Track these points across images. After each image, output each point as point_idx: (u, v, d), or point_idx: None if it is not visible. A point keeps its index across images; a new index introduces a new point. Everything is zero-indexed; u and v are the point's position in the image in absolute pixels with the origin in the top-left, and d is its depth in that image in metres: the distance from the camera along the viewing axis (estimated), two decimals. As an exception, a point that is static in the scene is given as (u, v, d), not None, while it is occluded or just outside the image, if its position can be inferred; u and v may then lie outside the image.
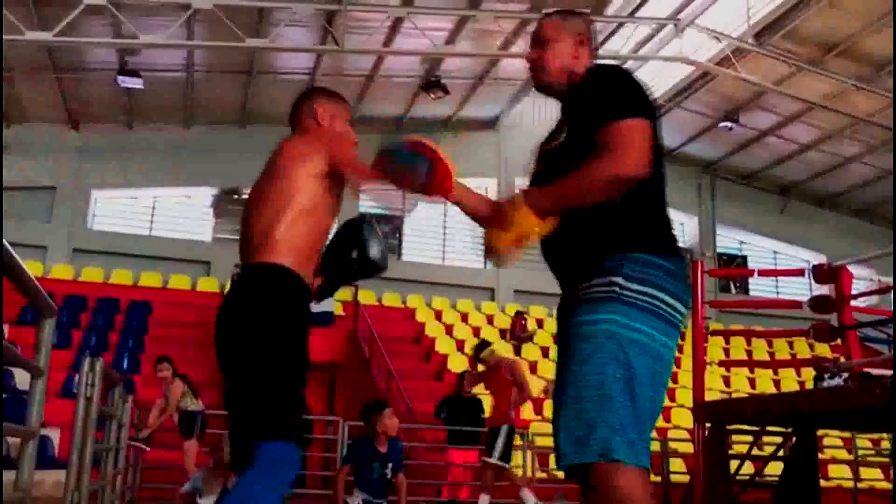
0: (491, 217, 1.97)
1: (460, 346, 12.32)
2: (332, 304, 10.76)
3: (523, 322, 12.86)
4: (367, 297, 13.08)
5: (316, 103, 2.51)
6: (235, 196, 15.47)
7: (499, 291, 15.33)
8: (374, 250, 2.41)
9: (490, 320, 13.80)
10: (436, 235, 15.98)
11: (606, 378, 1.76)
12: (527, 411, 10.45)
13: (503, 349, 12.47)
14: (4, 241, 1.76)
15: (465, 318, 13.82)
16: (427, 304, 14.12)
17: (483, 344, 7.09)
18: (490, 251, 1.95)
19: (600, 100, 1.90)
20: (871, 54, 11.36)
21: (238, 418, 2.24)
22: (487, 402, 7.59)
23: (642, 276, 1.82)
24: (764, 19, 11.33)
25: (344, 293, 12.55)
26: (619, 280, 1.82)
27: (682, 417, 10.63)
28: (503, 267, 2.16)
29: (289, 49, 11.66)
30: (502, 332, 13.16)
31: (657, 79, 13.54)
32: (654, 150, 1.88)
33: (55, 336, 2.65)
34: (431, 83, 12.95)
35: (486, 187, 16.00)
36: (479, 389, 7.88)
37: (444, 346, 12.32)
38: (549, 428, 9.74)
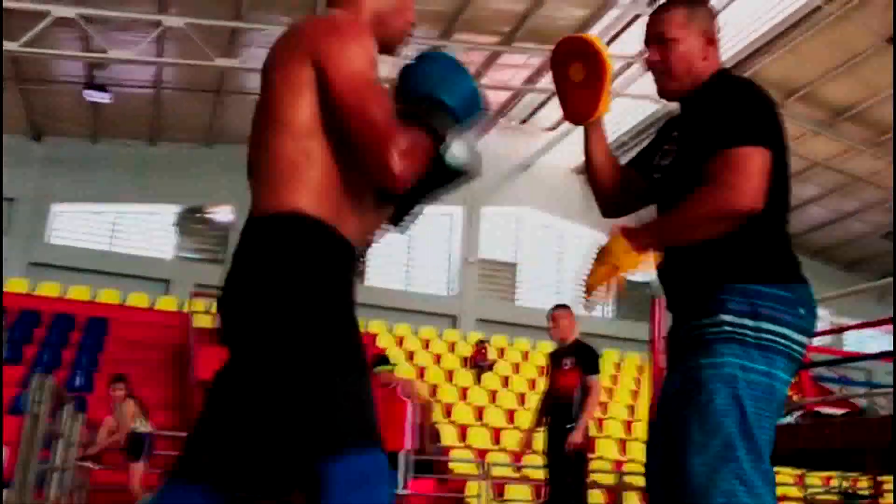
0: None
1: (420, 373, 12.29)
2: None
3: (484, 351, 12.88)
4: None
5: None
6: (199, 214, 15.35)
7: (461, 319, 15.34)
8: (458, 148, 1.57)
9: (452, 348, 13.79)
10: (400, 260, 15.97)
11: (726, 427, 1.61)
12: (484, 440, 10.44)
13: (464, 377, 12.48)
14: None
15: (426, 345, 13.79)
16: (389, 330, 14.08)
17: (382, 359, 6.93)
18: (587, 287, 1.76)
19: (718, 121, 1.71)
20: (829, 101, 11.68)
21: (281, 439, 1.48)
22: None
23: (755, 310, 1.66)
24: (727, 62, 11.59)
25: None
26: (728, 317, 1.66)
27: (639, 451, 10.68)
28: (592, 307, 1.81)
29: (256, 70, 11.64)
30: (464, 360, 13.15)
31: (624, 115, 13.78)
32: (781, 176, 1.72)
33: (7, 350, 2.59)
34: (401, 110, 13.00)
35: (453, 214, 16.09)
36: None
37: (404, 373, 12.27)
38: (505, 458, 9.78)
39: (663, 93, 1.92)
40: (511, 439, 10.13)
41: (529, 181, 15.76)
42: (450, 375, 12.48)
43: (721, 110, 1.73)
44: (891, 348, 8.14)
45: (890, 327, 8.32)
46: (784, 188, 1.77)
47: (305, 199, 1.48)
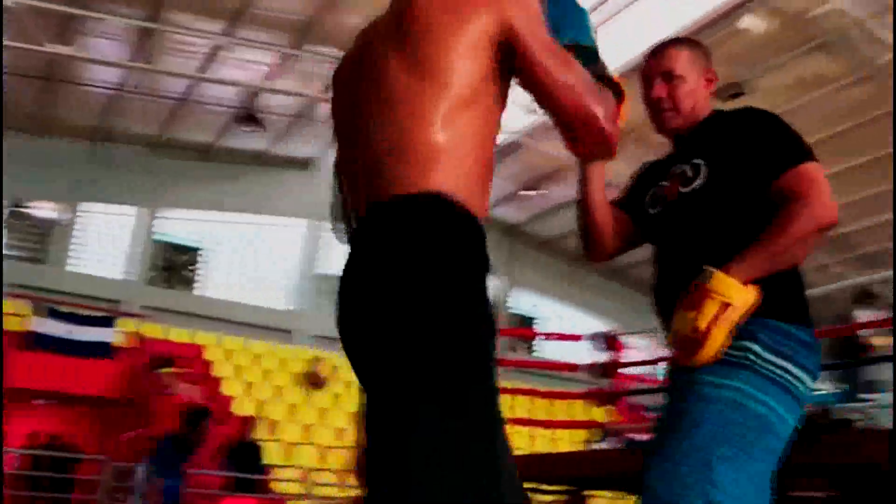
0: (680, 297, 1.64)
1: (249, 388, 11.90)
2: (112, 335, 10.05)
3: (318, 368, 12.65)
4: (152, 330, 12.36)
5: None
6: (21, 209, 14.23)
7: (296, 334, 15.03)
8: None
9: (284, 364, 13.46)
10: (236, 271, 15.46)
11: (713, 454, 1.56)
12: (310, 459, 10.22)
13: (294, 394, 12.18)
14: None
15: (257, 359, 13.39)
16: (218, 343, 13.56)
17: (167, 361, 6.77)
18: (687, 339, 1.60)
19: (768, 143, 1.71)
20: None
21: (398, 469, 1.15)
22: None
23: (778, 347, 1.65)
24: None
25: (126, 323, 11.80)
26: (756, 348, 1.63)
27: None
28: (700, 363, 1.62)
29: (92, 60, 10.97)
30: (296, 377, 12.86)
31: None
32: None
33: None
34: (247, 116, 12.66)
35: (297, 228, 15.80)
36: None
37: (231, 387, 11.84)
38: (332, 477, 9.60)
39: (664, 129, 1.91)
40: (339, 458, 9.97)
41: (374, 199, 15.77)
42: (279, 392, 12.17)
43: (767, 133, 1.73)
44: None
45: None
46: None
47: (458, 181, 1.28)
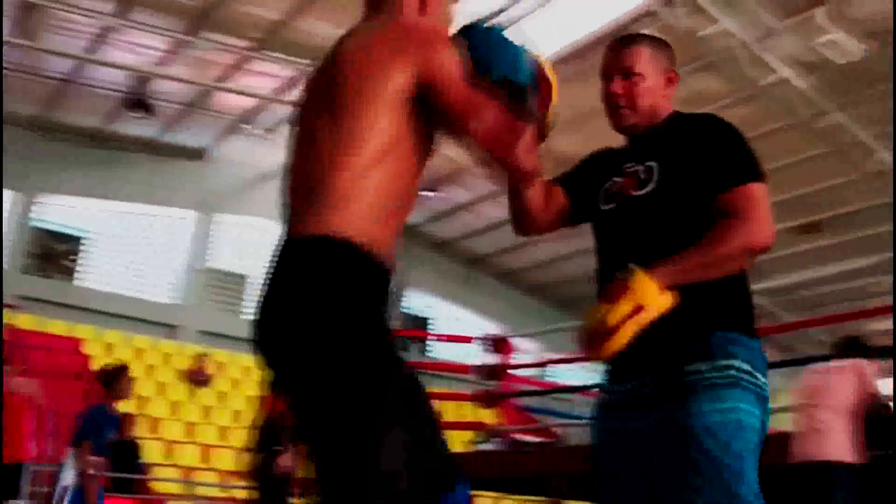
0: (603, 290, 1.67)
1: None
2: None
3: (202, 365, 12.32)
4: (28, 321, 11.74)
5: None
6: None
7: (181, 330, 14.57)
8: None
9: (167, 359, 13.03)
10: (119, 261, 14.86)
11: (748, 474, 1.59)
12: (193, 459, 9.93)
13: (177, 391, 11.81)
14: None
15: (139, 354, 12.91)
16: (98, 337, 13.01)
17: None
18: (597, 331, 1.62)
19: (722, 157, 1.72)
20: (557, 152, 12.68)
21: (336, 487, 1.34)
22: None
23: (752, 360, 1.67)
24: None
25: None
26: (737, 363, 1.64)
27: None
28: (603, 357, 1.66)
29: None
30: (179, 373, 12.48)
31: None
32: None
33: None
34: (137, 102, 12.19)
35: (184, 219, 15.32)
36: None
37: (111, 382, 11.37)
38: (214, 477, 9.35)
39: (620, 126, 1.90)
40: (222, 458, 9.73)
41: (270, 192, 15.41)
42: (162, 388, 11.78)
43: (723, 145, 1.74)
44: (588, 383, 8.88)
45: (587, 364, 9.13)
46: None
47: (364, 224, 1.44)
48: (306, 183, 1.48)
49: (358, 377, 1.37)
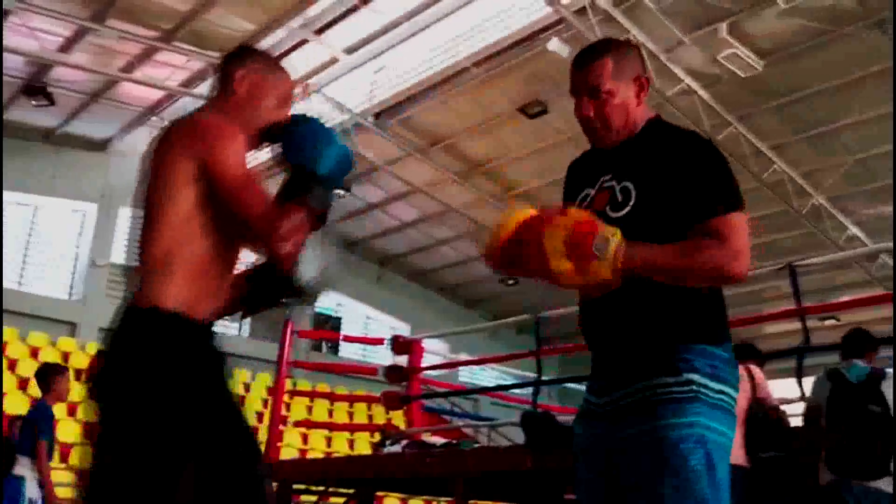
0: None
1: (23, 385, 10.98)
2: None
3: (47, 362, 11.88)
4: (-89, 317, 11.09)
5: (240, 66, 1.92)
6: None
7: (81, 327, 14.04)
8: (307, 268, 1.89)
9: (66, 358, 12.54)
10: (14, 255, 14.20)
11: (700, 491, 1.59)
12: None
13: (77, 392, 11.36)
14: None
15: (35, 353, 12.39)
16: (-9, 334, 12.41)
17: None
18: (541, 266, 1.55)
19: (702, 184, 1.67)
20: (468, 154, 12.81)
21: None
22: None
23: (714, 371, 1.65)
24: (384, 102, 12.19)
25: None
26: (697, 377, 1.63)
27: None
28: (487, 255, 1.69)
29: None
30: (78, 373, 12.00)
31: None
32: None
33: None
34: (35, 89, 11.68)
35: (85, 212, 14.77)
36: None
37: (3, 383, 10.86)
38: (70, 477, 9.05)
39: (598, 146, 1.86)
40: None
41: (176, 188, 15.04)
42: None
43: (702, 172, 1.69)
44: (496, 384, 8.99)
45: (496, 365, 9.25)
46: None
47: (170, 296, 1.74)
48: (141, 255, 1.81)
49: (154, 435, 1.67)
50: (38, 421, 5.03)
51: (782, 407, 4.00)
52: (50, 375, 5.18)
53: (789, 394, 4.51)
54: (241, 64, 1.95)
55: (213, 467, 1.70)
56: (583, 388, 1.93)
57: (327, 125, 1.88)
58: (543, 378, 5.97)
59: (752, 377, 3.82)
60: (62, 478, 8.77)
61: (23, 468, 4.91)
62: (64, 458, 9.50)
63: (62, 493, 8.47)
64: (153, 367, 1.71)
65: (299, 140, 1.85)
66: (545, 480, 4.40)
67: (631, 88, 1.79)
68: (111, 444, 1.73)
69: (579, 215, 1.60)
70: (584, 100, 1.80)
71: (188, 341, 1.76)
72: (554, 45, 9.68)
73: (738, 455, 3.60)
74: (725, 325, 1.74)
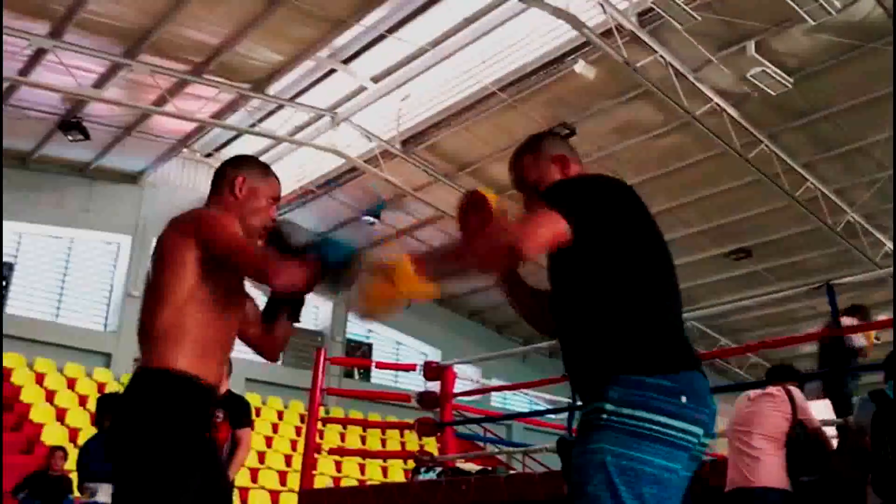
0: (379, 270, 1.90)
1: (61, 415, 11.10)
2: None
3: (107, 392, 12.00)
4: (-48, 351, 11.29)
5: (238, 171, 2.29)
6: None
7: (116, 358, 14.19)
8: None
9: (101, 389, 12.67)
10: (51, 288, 14.41)
11: None
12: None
13: (81, 418, 11.46)
14: None
15: (72, 384, 12.53)
16: (29, 366, 12.58)
17: None
18: (368, 305, 1.92)
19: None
20: (494, 178, 12.83)
21: None
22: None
23: (631, 398, 1.70)
24: (411, 129, 12.27)
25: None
26: (608, 406, 1.71)
27: (291, 503, 10.56)
28: (371, 320, 2.47)
29: None
30: (81, 399, 12.14)
31: (310, 165, 13.92)
32: (644, 259, 1.84)
33: None
34: (71, 124, 11.93)
35: (119, 244, 14.99)
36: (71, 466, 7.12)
37: (41, 414, 11.01)
38: None
39: None
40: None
41: (209, 218, 15.20)
42: (94, 419, 11.42)
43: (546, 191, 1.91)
44: (529, 409, 8.91)
45: (528, 390, 9.18)
46: (655, 276, 1.86)
47: (179, 359, 2.03)
48: (142, 328, 2.11)
49: (153, 478, 1.95)
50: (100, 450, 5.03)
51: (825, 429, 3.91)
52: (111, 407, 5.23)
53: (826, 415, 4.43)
54: (240, 170, 2.30)
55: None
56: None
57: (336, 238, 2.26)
58: (578, 402, 5.91)
59: (791, 399, 3.75)
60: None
61: (105, 495, 4.91)
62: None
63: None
64: (167, 420, 2.00)
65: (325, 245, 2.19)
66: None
67: (549, 170, 2.08)
68: (129, 476, 2.01)
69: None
70: (522, 192, 2.13)
71: (195, 399, 2.06)
72: (580, 67, 9.71)
73: (780, 478, 3.54)
74: (664, 353, 1.77)
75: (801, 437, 3.61)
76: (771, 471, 3.55)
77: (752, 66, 9.13)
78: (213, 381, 2.12)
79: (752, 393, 3.93)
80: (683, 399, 1.71)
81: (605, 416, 1.70)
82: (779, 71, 9.19)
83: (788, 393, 3.77)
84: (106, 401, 5.44)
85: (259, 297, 2.40)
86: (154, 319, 2.07)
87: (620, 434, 1.68)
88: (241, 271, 2.13)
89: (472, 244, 1.89)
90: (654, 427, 1.68)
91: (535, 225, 1.78)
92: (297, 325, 2.43)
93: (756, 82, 9.29)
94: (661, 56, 9.44)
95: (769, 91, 9.40)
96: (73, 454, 9.32)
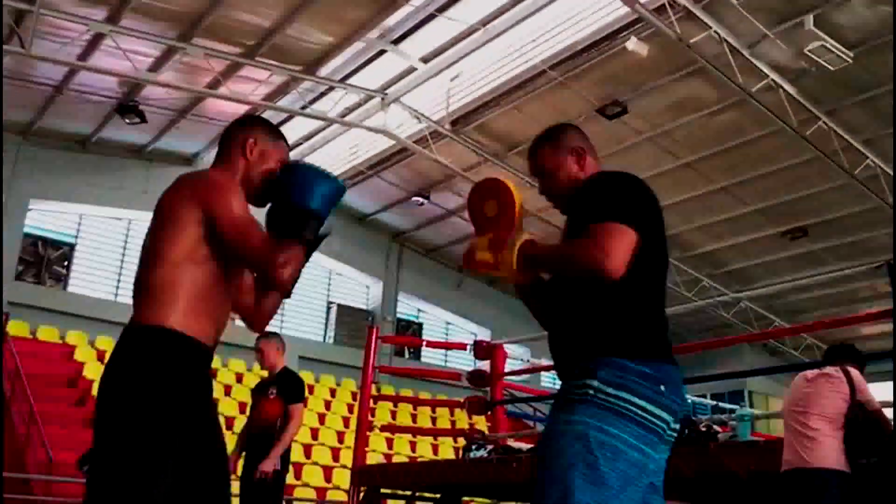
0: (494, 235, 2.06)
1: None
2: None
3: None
4: (18, 328, 11.72)
5: (249, 133, 2.25)
6: None
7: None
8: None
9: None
10: (111, 267, 14.81)
11: (568, 479, 1.75)
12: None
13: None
14: None
15: (131, 361, 12.87)
16: (90, 343, 12.97)
17: None
18: (473, 258, 2.07)
19: (590, 205, 1.95)
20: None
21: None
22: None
23: (616, 380, 1.82)
24: (460, 110, 12.25)
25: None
26: (594, 383, 1.82)
27: (344, 479, 10.75)
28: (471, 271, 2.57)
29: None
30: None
31: (360, 146, 14.01)
32: (648, 257, 1.93)
33: None
34: (128, 107, 12.19)
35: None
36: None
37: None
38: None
39: (558, 207, 2.20)
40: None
41: (261, 199, 15.41)
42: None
43: (595, 195, 1.99)
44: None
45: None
46: (652, 273, 1.98)
47: (171, 316, 1.99)
48: (136, 284, 2.07)
49: (130, 435, 1.90)
50: None
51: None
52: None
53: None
54: (251, 132, 2.25)
55: (188, 468, 1.96)
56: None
57: (317, 167, 2.18)
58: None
59: (850, 380, 3.68)
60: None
61: None
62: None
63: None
64: (151, 378, 1.94)
65: (290, 182, 2.14)
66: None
67: (567, 162, 2.17)
68: (107, 434, 1.95)
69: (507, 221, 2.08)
70: (538, 181, 2.23)
71: (185, 356, 2.00)
72: (632, 44, 9.57)
73: (838, 459, 3.49)
74: (649, 344, 1.92)
75: (859, 418, 3.55)
76: (828, 452, 3.50)
77: (811, 40, 8.89)
78: (205, 342, 2.05)
79: (809, 373, 3.87)
80: (662, 387, 1.85)
81: (591, 391, 1.82)
82: (838, 45, 8.93)
83: (847, 373, 3.71)
84: None
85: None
86: (148, 276, 2.03)
87: (603, 410, 1.80)
88: (241, 258, 2.08)
89: (565, 256, 1.99)
90: (633, 409, 1.81)
91: (619, 246, 1.86)
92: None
93: (815, 57, 9.04)
94: (716, 32, 9.25)
95: (828, 66, 9.14)
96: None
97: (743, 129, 11.15)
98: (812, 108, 10.17)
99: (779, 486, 3.60)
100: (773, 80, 9.76)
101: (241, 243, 2.02)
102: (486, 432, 6.73)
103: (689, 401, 14.44)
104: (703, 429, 4.25)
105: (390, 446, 13.02)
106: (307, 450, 11.85)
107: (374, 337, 6.70)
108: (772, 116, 10.09)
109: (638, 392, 1.82)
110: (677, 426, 1.90)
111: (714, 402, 13.16)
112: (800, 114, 10.13)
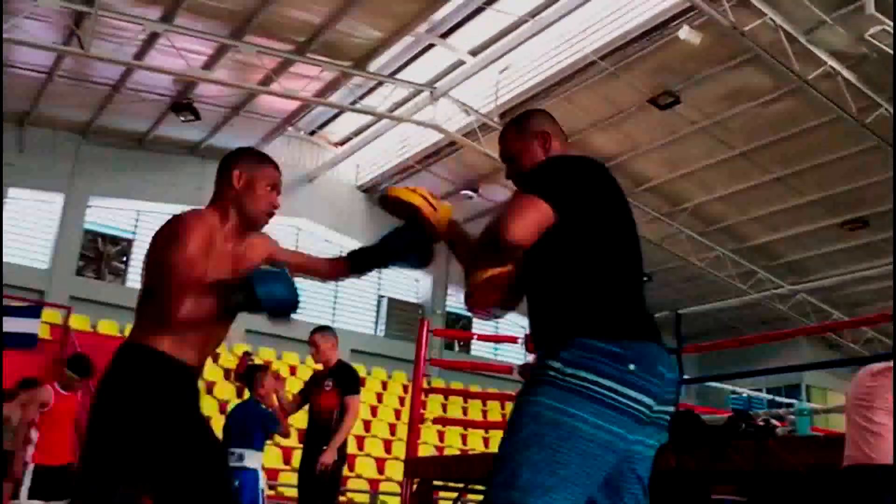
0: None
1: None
2: (38, 326, 9.78)
3: (249, 363, 12.48)
4: (79, 322, 12.05)
5: (234, 165, 2.38)
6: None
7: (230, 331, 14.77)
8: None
9: (216, 358, 13.26)
10: (168, 264, 15.10)
11: (524, 460, 1.75)
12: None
13: (225, 390, 12.02)
14: None
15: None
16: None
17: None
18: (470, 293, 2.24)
19: (523, 184, 1.97)
20: (597, 148, 12.64)
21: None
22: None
23: (579, 360, 1.80)
24: (510, 102, 12.20)
25: (52, 315, 11.49)
26: (556, 364, 1.81)
27: (396, 470, 10.83)
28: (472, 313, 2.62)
29: (22, 42, 10.57)
30: (226, 372, 12.70)
31: (410, 140, 14.06)
32: (613, 244, 1.95)
33: None
34: (182, 105, 12.42)
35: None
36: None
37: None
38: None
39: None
40: (270, 455, 9.87)
41: (312, 194, 15.59)
42: (210, 387, 11.99)
43: (528, 176, 1.99)
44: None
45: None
46: (613, 252, 1.95)
47: (155, 338, 2.17)
48: (139, 302, 2.25)
49: (143, 435, 2.09)
50: (264, 418, 5.23)
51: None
52: (255, 375, 5.47)
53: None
54: (236, 164, 2.37)
55: (183, 465, 2.11)
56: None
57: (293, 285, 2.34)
58: (684, 377, 5.81)
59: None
60: (287, 479, 9.27)
61: (253, 461, 5.11)
62: (287, 461, 10.07)
63: (288, 493, 8.97)
64: (138, 391, 2.13)
65: (265, 274, 2.29)
66: (690, 480, 4.30)
67: (536, 144, 2.17)
68: (101, 433, 2.17)
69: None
70: (505, 163, 2.23)
71: (169, 373, 2.17)
72: (685, 33, 9.42)
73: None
74: (614, 322, 1.88)
75: (925, 413, 3.44)
76: (893, 448, 3.41)
77: (872, 24, 8.65)
78: (190, 363, 2.22)
79: (874, 367, 3.77)
80: (632, 367, 1.80)
81: (551, 372, 1.81)
82: (901, 29, 8.67)
83: (912, 367, 3.60)
84: (250, 371, 5.77)
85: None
86: (142, 302, 2.23)
87: (561, 391, 1.78)
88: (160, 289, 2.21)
89: (473, 242, 2.06)
90: (598, 389, 1.78)
91: (519, 211, 1.85)
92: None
93: (876, 42, 8.79)
94: (771, 19, 9.05)
95: (889, 51, 8.88)
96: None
97: (799, 118, 10.90)
98: (873, 94, 9.89)
99: (840, 483, 3.53)
100: (831, 66, 9.52)
101: (163, 278, 2.18)
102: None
103: (745, 395, 14.23)
104: (761, 423, 4.18)
105: (442, 439, 13.08)
106: (360, 442, 11.97)
107: (425, 330, 6.73)
108: (830, 104, 9.84)
109: (602, 371, 1.78)
110: (664, 407, 1.87)
111: (770, 397, 12.95)
112: (859, 101, 9.86)
